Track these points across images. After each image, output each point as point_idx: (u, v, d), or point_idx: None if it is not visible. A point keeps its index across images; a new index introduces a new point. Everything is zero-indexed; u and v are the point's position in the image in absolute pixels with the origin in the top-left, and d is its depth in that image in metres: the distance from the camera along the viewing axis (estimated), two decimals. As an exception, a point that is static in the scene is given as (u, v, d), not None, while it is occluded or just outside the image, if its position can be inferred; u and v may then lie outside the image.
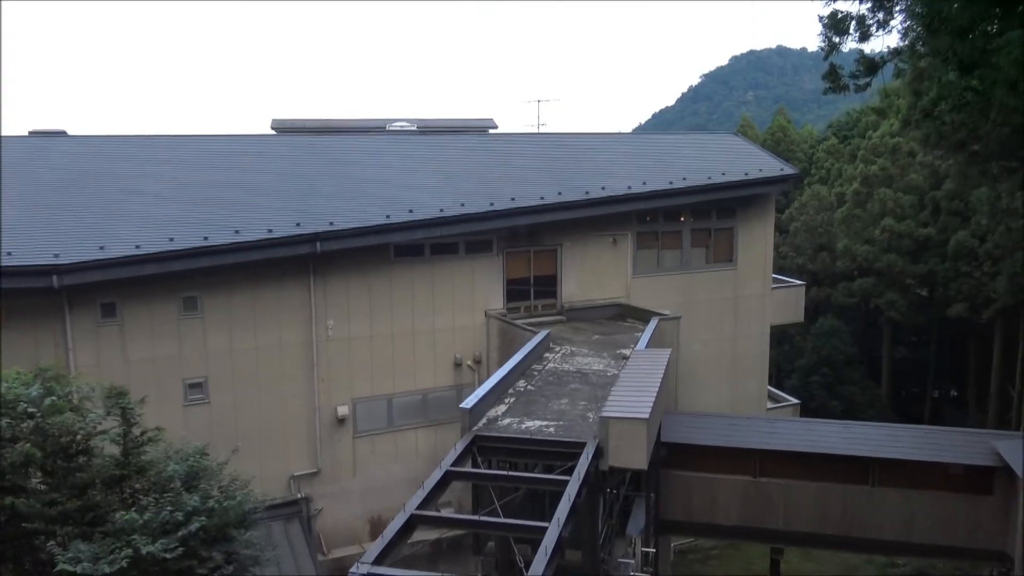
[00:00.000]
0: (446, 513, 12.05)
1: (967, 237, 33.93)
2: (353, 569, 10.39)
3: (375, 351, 22.21)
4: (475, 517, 11.80)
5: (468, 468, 14.03)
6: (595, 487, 14.49)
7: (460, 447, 14.26)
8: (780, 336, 39.86)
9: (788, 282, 29.94)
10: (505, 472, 13.48)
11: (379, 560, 10.66)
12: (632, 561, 15.71)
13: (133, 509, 11.94)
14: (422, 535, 22.39)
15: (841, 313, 41.66)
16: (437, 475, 13.03)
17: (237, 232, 19.63)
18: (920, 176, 36.67)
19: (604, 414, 14.52)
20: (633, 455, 14.40)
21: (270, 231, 19.81)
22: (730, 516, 20.01)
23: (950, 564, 20.38)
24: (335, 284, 21.48)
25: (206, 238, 19.29)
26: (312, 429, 21.62)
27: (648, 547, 17.96)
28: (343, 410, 21.79)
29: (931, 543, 19.04)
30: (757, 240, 27.36)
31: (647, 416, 14.35)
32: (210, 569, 13.26)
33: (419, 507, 12.10)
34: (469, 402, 15.34)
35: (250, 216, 20.59)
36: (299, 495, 21.49)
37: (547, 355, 20.63)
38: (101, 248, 18.35)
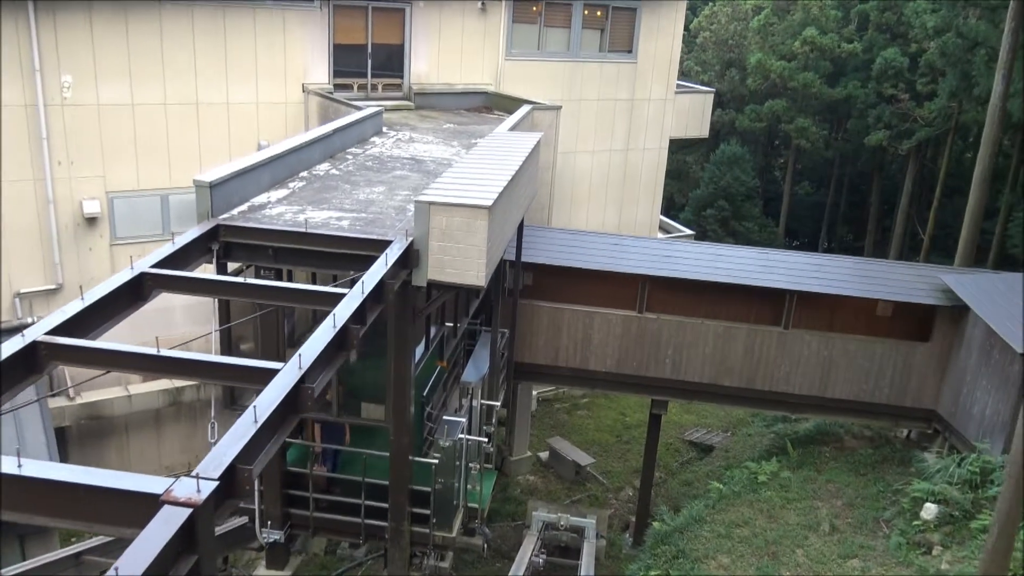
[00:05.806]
0: (106, 344, 6.54)
1: (896, 54, 29.40)
2: None
3: (141, 127, 15.88)
4: (158, 352, 6.53)
5: (190, 273, 8.47)
6: (404, 311, 9.38)
7: (183, 240, 8.66)
8: (674, 171, 35.28)
9: (693, 88, 24.87)
10: (240, 280, 8.04)
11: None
12: (463, 420, 10.89)
13: None
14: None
15: (745, 141, 37.23)
16: (119, 278, 7.50)
17: None
18: (850, -17, 31.65)
19: (423, 198, 9.19)
20: (466, 264, 9.26)
21: (-54, -80, 12.84)
22: (606, 361, 15.59)
23: (860, 423, 16.69)
24: (71, 22, 14.75)
25: None
26: (47, 231, 15.46)
27: (494, 399, 13.27)
28: (92, 206, 15.63)
29: (849, 399, 15.24)
30: (664, 30, 21.84)
31: (490, 204, 9.13)
32: None
33: (56, 331, 6.60)
34: (213, 174, 9.65)
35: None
36: (30, 320, 15.60)
37: (375, 139, 14.96)
38: None
